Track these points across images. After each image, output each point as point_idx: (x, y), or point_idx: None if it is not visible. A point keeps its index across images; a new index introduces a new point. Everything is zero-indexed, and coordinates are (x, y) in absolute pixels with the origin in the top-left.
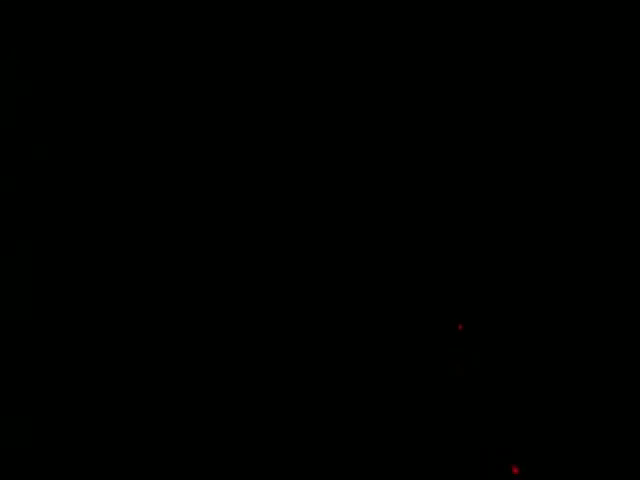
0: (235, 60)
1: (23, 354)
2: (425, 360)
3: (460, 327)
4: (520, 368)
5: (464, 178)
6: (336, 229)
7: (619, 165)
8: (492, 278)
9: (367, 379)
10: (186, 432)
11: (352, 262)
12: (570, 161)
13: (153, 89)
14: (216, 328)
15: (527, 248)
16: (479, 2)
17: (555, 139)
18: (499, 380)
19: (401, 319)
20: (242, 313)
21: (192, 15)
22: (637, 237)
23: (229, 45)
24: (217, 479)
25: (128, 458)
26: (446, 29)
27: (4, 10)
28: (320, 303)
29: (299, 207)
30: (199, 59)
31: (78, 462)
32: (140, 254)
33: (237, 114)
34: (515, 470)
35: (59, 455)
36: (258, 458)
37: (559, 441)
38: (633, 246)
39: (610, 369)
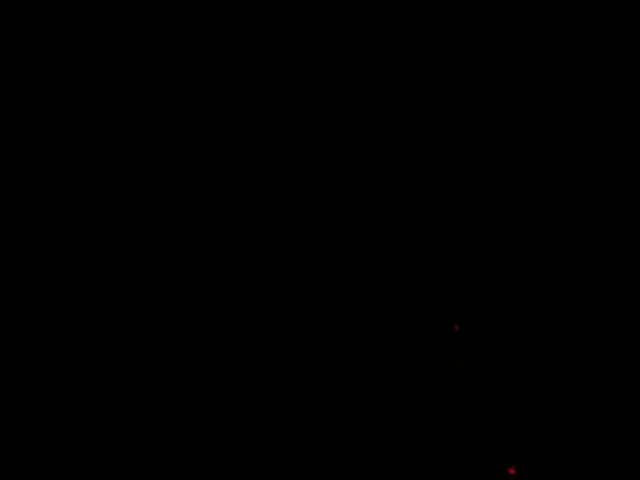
0: (235, 60)
1: (23, 356)
2: (422, 359)
3: (456, 327)
4: (517, 367)
5: (462, 178)
6: (335, 229)
7: (619, 165)
8: (488, 278)
9: (365, 377)
10: (186, 432)
11: (350, 262)
12: (568, 161)
13: (153, 89)
14: (216, 328)
15: (522, 247)
16: (479, 2)
17: (555, 138)
18: (496, 380)
19: (399, 318)
20: (240, 314)
21: (192, 15)
22: (636, 237)
23: (229, 45)
24: (217, 479)
25: (127, 458)
26: (446, 29)
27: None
28: (319, 301)
29: (298, 207)
30: (199, 59)
31: (78, 462)
32: (139, 254)
33: (237, 114)
34: (512, 471)
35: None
36: (258, 457)
37: (556, 441)
38: (631, 245)
39: (608, 367)
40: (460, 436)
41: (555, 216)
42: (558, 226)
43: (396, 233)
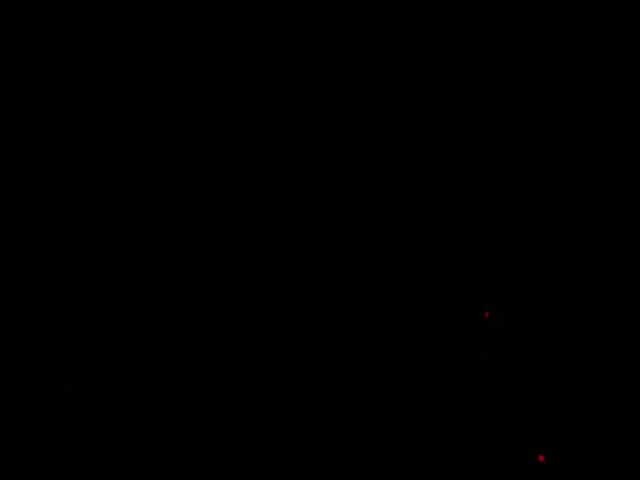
0: (235, 60)
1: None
2: (448, 347)
3: (486, 315)
4: (543, 356)
5: (486, 170)
6: (358, 218)
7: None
8: (514, 267)
9: (389, 366)
10: (186, 432)
11: (375, 251)
12: (593, 147)
13: (153, 89)
14: (217, 328)
15: (546, 238)
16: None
17: (574, 128)
18: (522, 368)
19: (425, 306)
20: (256, 307)
21: (192, 15)
22: None
23: (229, 45)
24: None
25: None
26: (446, 29)
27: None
28: (342, 292)
29: (325, 195)
30: (199, 59)
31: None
32: (140, 254)
33: (237, 114)
34: (541, 458)
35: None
36: (258, 457)
37: (583, 430)
38: None
39: (634, 356)
40: (484, 427)
41: (562, 215)
42: (577, 222)
43: (412, 227)
